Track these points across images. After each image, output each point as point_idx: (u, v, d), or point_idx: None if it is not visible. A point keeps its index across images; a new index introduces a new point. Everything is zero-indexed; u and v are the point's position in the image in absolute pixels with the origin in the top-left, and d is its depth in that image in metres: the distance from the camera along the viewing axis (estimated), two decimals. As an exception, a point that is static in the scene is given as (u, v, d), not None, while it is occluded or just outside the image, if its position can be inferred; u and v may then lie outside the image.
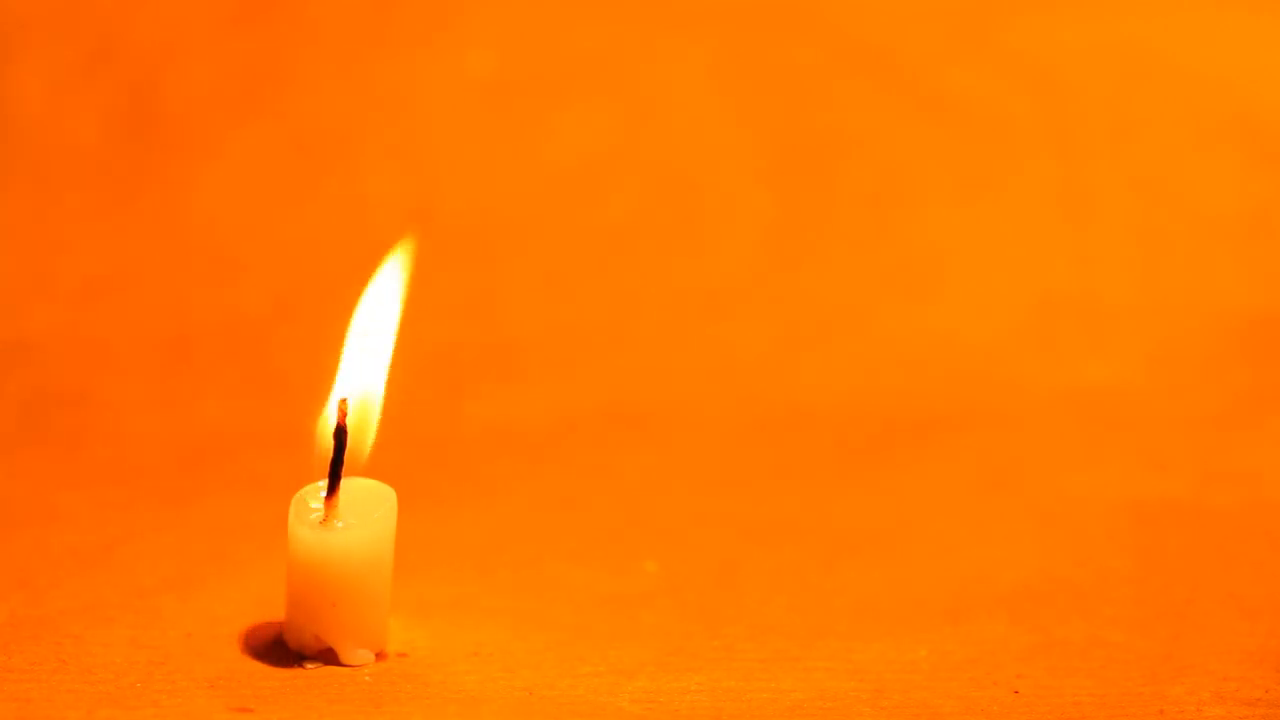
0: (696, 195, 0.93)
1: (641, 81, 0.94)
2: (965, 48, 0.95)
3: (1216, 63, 0.94)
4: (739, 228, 0.93)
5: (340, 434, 0.62)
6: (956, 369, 0.88)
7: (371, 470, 0.64)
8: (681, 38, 0.95)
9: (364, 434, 0.64)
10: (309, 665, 0.63)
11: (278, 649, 0.64)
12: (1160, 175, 0.93)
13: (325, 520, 0.62)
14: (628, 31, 0.95)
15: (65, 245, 0.89)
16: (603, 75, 0.94)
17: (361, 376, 0.64)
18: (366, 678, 0.62)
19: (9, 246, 0.89)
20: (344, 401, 0.62)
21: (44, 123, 0.90)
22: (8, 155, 0.90)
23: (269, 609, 0.65)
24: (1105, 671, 0.64)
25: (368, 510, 0.63)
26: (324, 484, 0.63)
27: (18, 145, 0.90)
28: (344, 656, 0.63)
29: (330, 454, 0.63)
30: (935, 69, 0.94)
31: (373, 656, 0.63)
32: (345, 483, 0.63)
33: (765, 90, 0.94)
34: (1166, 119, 0.94)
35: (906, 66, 0.94)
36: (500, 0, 0.94)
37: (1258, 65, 0.94)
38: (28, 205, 0.90)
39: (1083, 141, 0.94)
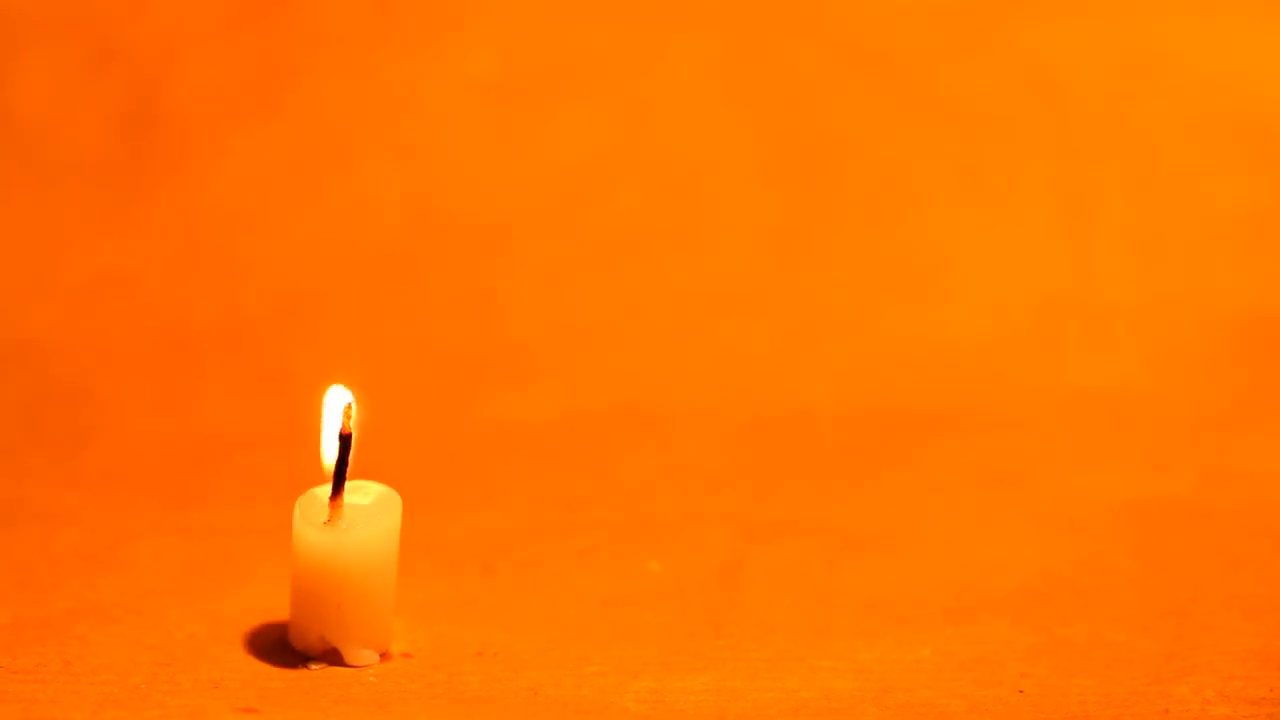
0: (696, 195, 0.93)
1: (641, 81, 0.94)
2: (965, 48, 0.95)
3: (1217, 63, 0.94)
4: (739, 228, 0.93)
5: (345, 438, 0.62)
6: (956, 369, 0.88)
7: (375, 472, 0.64)
8: (681, 38, 0.95)
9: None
10: (314, 666, 0.63)
11: (282, 650, 0.64)
12: (1160, 175, 0.93)
13: (330, 521, 0.62)
14: (628, 31, 0.94)
15: (66, 245, 0.89)
16: (603, 75, 0.94)
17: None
18: (371, 678, 0.62)
19: (9, 246, 0.89)
20: (349, 406, 0.62)
21: (45, 122, 0.90)
22: (9, 155, 0.90)
23: (273, 610, 0.65)
24: (1109, 671, 0.64)
25: (372, 511, 0.63)
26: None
27: (19, 145, 0.90)
28: (349, 657, 0.63)
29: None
30: (935, 69, 0.94)
31: (377, 657, 0.63)
32: (350, 484, 0.63)
33: (766, 91, 0.94)
34: (1167, 120, 0.94)
35: (906, 66, 0.94)
36: (501, 0, 0.94)
37: (1259, 66, 0.94)
38: (29, 205, 0.89)
39: (1083, 142, 0.94)
